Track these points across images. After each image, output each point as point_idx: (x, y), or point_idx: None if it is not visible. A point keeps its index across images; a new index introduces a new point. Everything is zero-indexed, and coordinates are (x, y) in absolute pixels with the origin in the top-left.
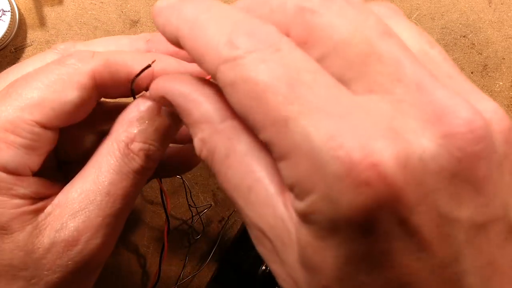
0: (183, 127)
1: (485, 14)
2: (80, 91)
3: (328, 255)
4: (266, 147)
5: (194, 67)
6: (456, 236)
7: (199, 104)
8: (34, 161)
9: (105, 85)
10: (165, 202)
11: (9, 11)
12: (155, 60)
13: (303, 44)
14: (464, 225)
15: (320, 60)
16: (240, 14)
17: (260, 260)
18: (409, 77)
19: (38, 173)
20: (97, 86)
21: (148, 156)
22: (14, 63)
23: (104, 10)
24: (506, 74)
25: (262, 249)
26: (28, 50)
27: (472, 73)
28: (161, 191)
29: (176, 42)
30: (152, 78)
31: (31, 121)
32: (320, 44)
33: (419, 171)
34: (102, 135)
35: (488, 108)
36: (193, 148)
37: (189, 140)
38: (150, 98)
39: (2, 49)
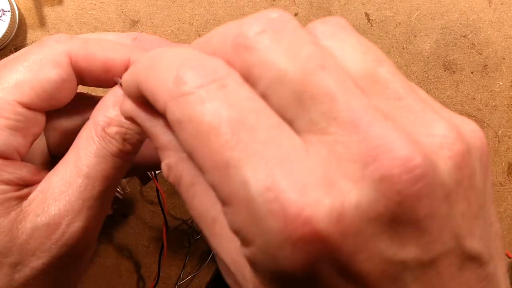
0: None
1: (485, 14)
2: (57, 69)
3: None
4: None
5: None
6: (403, 278)
7: (165, 131)
8: (20, 143)
9: (80, 66)
10: (162, 201)
11: (9, 11)
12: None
13: (245, 81)
14: (410, 266)
15: (263, 97)
16: (190, 51)
17: None
18: (344, 114)
19: None
20: (73, 67)
21: (125, 140)
22: None
23: (104, 10)
24: (506, 74)
25: (228, 280)
26: None
27: (472, 73)
28: (157, 190)
29: (137, 93)
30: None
31: (13, 101)
32: (259, 82)
33: (356, 221)
34: None
35: (438, 132)
36: None
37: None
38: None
39: (2, 49)
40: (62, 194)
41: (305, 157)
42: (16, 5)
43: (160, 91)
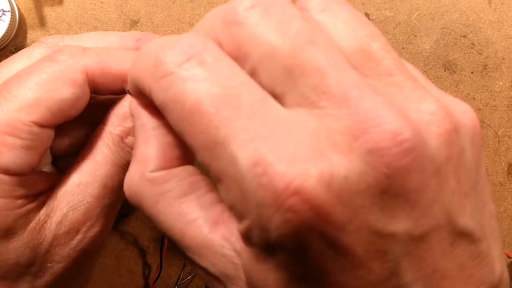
0: None
1: (485, 14)
2: (73, 88)
3: (269, 278)
4: (197, 181)
5: None
6: (393, 251)
7: (148, 139)
8: (35, 159)
9: (96, 82)
10: None
11: (9, 11)
12: None
13: (236, 58)
14: (400, 239)
15: (252, 73)
16: (170, 37)
17: None
18: (334, 88)
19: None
20: (89, 83)
21: None
22: None
23: (104, 10)
24: (506, 74)
25: (211, 285)
26: None
27: (472, 73)
28: None
29: (136, 90)
30: None
31: (29, 121)
32: (248, 58)
33: (345, 191)
34: (94, 128)
35: (428, 109)
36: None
37: None
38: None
39: (2, 49)
40: (81, 202)
41: (293, 130)
42: (16, 5)
43: (144, 78)
